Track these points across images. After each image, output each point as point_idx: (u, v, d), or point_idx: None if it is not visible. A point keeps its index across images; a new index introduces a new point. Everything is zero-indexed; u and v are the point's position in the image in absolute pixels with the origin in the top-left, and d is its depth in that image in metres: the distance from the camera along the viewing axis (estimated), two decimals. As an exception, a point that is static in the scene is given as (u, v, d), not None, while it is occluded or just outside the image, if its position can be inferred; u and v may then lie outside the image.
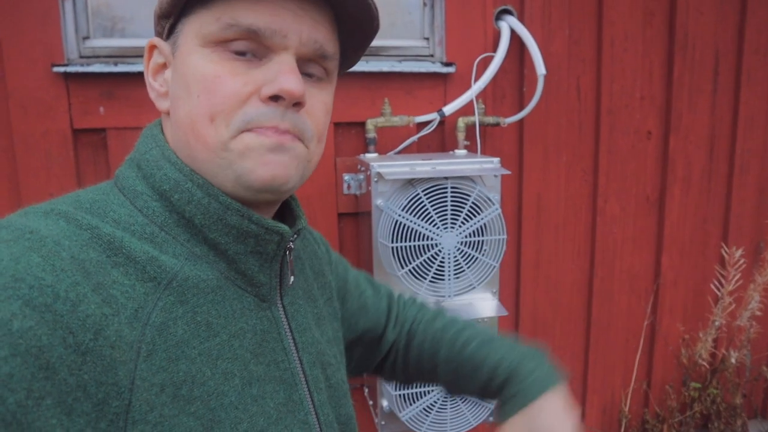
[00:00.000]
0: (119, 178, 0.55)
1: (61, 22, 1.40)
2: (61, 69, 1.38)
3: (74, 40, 1.43)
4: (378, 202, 1.36)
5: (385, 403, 1.44)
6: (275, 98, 0.50)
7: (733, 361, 1.95)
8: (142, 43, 1.48)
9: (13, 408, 0.35)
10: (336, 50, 0.57)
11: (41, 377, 0.36)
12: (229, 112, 0.50)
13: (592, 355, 1.99)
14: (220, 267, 0.53)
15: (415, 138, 1.66)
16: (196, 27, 0.51)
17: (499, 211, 1.37)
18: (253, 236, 0.53)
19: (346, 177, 1.64)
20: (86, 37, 1.45)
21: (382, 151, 1.65)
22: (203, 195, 0.51)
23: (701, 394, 1.98)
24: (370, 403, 1.62)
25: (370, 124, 1.57)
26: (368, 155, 1.57)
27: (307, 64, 0.54)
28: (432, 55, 1.69)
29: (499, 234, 1.39)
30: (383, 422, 1.47)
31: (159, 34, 0.57)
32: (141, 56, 1.46)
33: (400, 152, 1.66)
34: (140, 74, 1.43)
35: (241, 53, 0.51)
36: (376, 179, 1.35)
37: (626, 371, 2.04)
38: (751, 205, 2.03)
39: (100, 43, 1.46)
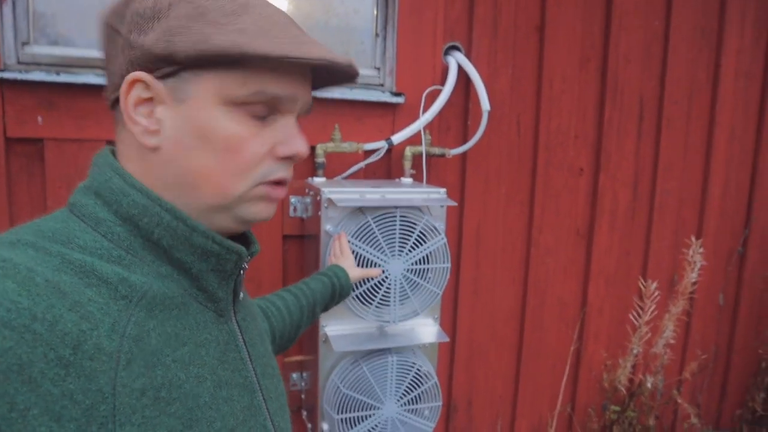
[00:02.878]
0: (76, 206, 0.56)
1: None
2: (-2, 75, 1.31)
3: (12, 45, 1.36)
4: (327, 227, 1.37)
5: (325, 426, 1.44)
6: (287, 157, 0.60)
7: (648, 385, 2.09)
8: (89, 53, 1.42)
9: None
10: None
11: (25, 390, 0.41)
12: (250, 169, 0.58)
13: (522, 380, 2.07)
14: (184, 285, 0.57)
15: (362, 164, 1.69)
16: (215, 85, 0.54)
17: (445, 240, 1.41)
18: (215, 255, 0.58)
19: (293, 199, 1.64)
20: (26, 43, 1.38)
21: (329, 175, 1.66)
22: (171, 218, 0.55)
23: (620, 417, 2.10)
24: (309, 426, 1.61)
25: (320, 149, 1.59)
26: (316, 179, 1.58)
27: None
28: (382, 84, 1.73)
29: (444, 262, 1.43)
30: (322, 447, 1.46)
31: (141, 68, 0.55)
32: (87, 67, 1.41)
33: (347, 177, 1.69)
34: (85, 85, 1.38)
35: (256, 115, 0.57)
36: (326, 205, 1.36)
37: (553, 395, 2.13)
38: (668, 241, 2.19)
39: (41, 50, 1.40)
